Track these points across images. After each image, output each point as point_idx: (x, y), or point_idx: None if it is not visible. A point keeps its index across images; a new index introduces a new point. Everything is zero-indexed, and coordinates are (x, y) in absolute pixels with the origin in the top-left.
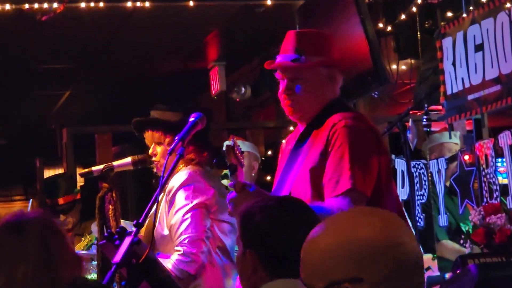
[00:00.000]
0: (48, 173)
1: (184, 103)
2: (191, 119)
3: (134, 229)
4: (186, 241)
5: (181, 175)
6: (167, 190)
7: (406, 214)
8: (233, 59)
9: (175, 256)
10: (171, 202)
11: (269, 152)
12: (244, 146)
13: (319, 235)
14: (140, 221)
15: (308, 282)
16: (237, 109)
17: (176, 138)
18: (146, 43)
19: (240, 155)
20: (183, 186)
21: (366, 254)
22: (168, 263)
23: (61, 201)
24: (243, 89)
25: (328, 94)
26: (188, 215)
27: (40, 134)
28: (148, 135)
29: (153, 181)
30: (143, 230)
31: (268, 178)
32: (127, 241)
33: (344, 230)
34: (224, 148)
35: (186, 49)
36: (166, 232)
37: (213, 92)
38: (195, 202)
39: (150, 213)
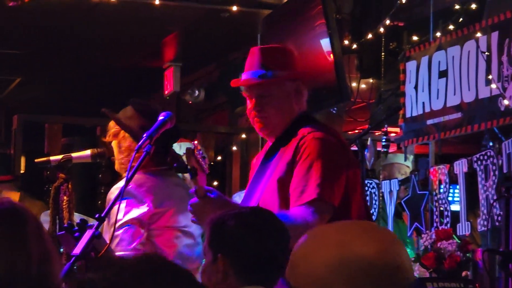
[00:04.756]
0: None
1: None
2: (160, 117)
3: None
4: None
5: (120, 183)
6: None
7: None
8: (189, 61)
9: None
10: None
11: (219, 158)
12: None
13: (312, 246)
14: (102, 215)
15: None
16: (188, 112)
17: (144, 135)
18: (105, 37)
19: (201, 159)
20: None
21: (360, 274)
22: None
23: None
24: (196, 92)
25: (296, 108)
26: (119, 231)
27: None
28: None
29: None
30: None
31: (215, 183)
32: (88, 234)
33: (339, 245)
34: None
35: (144, 47)
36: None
37: (166, 92)
38: (125, 219)
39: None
